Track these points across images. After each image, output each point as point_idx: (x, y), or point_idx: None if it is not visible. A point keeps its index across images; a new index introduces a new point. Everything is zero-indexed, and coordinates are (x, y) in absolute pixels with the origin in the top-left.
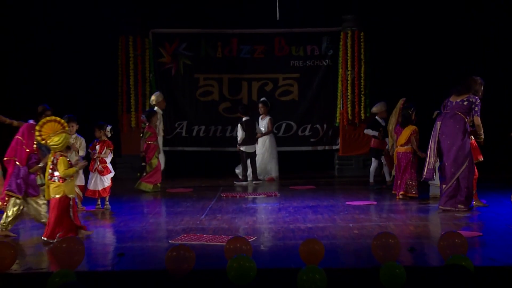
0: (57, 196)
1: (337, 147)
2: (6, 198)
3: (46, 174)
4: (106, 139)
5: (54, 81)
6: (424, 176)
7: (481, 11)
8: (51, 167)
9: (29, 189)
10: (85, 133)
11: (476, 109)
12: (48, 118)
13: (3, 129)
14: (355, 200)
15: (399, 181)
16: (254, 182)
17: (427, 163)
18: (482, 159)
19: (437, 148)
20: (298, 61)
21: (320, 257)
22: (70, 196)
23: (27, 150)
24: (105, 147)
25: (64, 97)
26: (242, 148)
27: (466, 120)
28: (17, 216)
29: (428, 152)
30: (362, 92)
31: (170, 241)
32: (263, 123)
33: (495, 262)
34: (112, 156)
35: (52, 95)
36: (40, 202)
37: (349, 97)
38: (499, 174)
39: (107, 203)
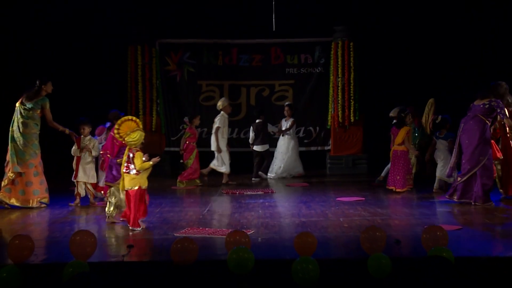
0: (135, 188)
1: (329, 147)
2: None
3: (122, 167)
4: None
5: (69, 87)
6: (446, 173)
7: (461, 23)
8: (127, 160)
9: (118, 178)
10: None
11: (501, 111)
12: (125, 117)
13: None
14: (345, 196)
15: (398, 177)
16: (267, 177)
17: (451, 161)
18: (501, 156)
19: (458, 147)
20: (293, 69)
21: (313, 249)
22: (144, 187)
23: (117, 144)
24: None
25: (78, 102)
26: (254, 148)
27: (486, 122)
28: (118, 204)
29: (453, 151)
30: (352, 97)
31: (175, 234)
32: (286, 124)
33: (473, 253)
34: None
35: (67, 100)
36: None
37: (339, 101)
38: None
39: None
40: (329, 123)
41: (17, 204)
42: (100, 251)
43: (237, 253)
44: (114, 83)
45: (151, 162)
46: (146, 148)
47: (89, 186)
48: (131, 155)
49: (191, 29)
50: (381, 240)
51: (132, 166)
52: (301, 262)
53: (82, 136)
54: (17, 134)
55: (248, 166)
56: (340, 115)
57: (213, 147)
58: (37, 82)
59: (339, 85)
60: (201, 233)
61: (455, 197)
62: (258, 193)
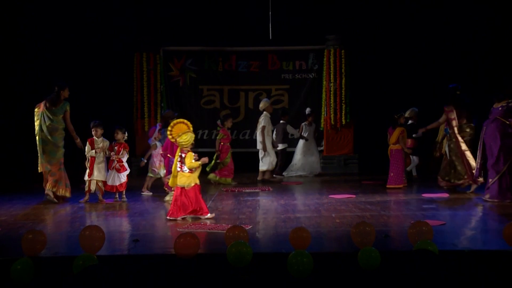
0: (191, 185)
1: (322, 148)
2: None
3: (175, 167)
4: (123, 141)
5: (78, 92)
6: (474, 174)
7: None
8: (179, 160)
9: None
10: (107, 136)
11: None
12: (177, 120)
13: None
14: (337, 193)
15: (392, 174)
16: (282, 176)
17: (477, 162)
18: None
19: (482, 149)
20: (288, 74)
21: (307, 243)
22: (197, 182)
23: (176, 144)
24: (122, 149)
25: (88, 105)
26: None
27: (506, 123)
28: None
29: (478, 153)
30: (343, 101)
31: (178, 229)
32: (311, 129)
33: (456, 247)
34: (127, 156)
35: (77, 104)
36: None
37: (331, 105)
38: None
39: (124, 196)
40: (322, 125)
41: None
42: (108, 245)
43: (236, 247)
44: (121, 87)
45: (200, 162)
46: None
47: (100, 184)
48: (182, 155)
49: (193, 37)
50: (370, 235)
51: (184, 166)
52: (296, 256)
53: (94, 138)
54: (47, 137)
55: (247, 166)
56: (332, 118)
57: (260, 146)
58: (56, 88)
59: (331, 89)
60: (202, 228)
61: (488, 197)
62: (256, 190)
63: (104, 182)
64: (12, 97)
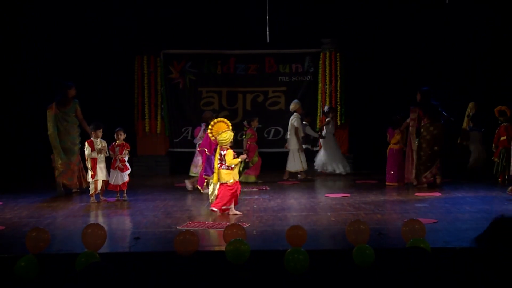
0: (230, 181)
1: (317, 148)
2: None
3: (216, 164)
4: (123, 141)
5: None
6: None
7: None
8: (219, 158)
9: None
10: (108, 136)
11: None
12: (217, 119)
13: None
14: (332, 193)
15: (392, 171)
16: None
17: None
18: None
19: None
20: (285, 77)
21: (303, 241)
22: (237, 179)
23: (214, 142)
24: (125, 149)
25: (90, 107)
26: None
27: None
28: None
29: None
30: (338, 103)
31: (177, 227)
32: (330, 126)
33: (448, 244)
34: (129, 156)
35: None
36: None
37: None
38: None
39: (125, 195)
40: (317, 126)
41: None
42: (109, 242)
43: (234, 245)
44: (121, 88)
45: (239, 159)
46: (151, 148)
47: (103, 184)
48: (222, 152)
49: (193, 40)
50: (365, 233)
51: (224, 163)
52: (293, 253)
53: (93, 139)
54: (65, 137)
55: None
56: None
57: (293, 146)
58: (62, 89)
59: (327, 91)
60: (201, 226)
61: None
62: (253, 190)
63: (106, 182)
64: (12, 97)
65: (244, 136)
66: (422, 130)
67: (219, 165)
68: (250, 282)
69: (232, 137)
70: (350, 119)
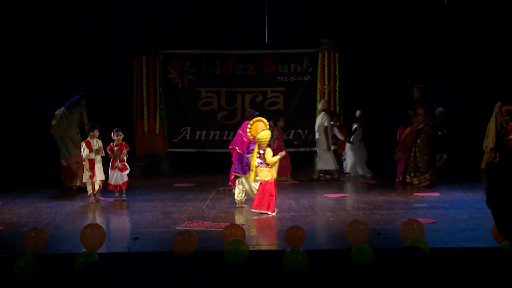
0: (268, 179)
1: (316, 148)
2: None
3: (253, 162)
4: (122, 141)
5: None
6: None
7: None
8: (258, 156)
9: (247, 170)
10: (106, 136)
11: None
12: (256, 119)
13: None
14: (331, 193)
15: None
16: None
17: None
18: None
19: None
20: (284, 77)
21: (302, 241)
22: (275, 176)
23: (245, 140)
24: (124, 148)
25: (89, 106)
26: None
27: None
28: (244, 192)
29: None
30: (337, 103)
31: (176, 227)
32: (360, 131)
33: (447, 244)
34: (127, 156)
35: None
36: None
37: None
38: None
39: (124, 195)
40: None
41: (78, 185)
42: (108, 242)
43: (233, 245)
44: (120, 88)
45: (278, 156)
46: (150, 148)
47: (100, 184)
48: (261, 151)
49: (191, 41)
50: (364, 233)
51: (263, 161)
52: (291, 253)
53: (89, 139)
54: (64, 134)
55: None
56: None
57: (323, 145)
58: (77, 96)
59: (326, 92)
60: (200, 226)
61: None
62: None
63: (103, 181)
64: (12, 97)
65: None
66: (425, 128)
67: (257, 164)
68: (249, 282)
69: (270, 135)
70: (349, 119)
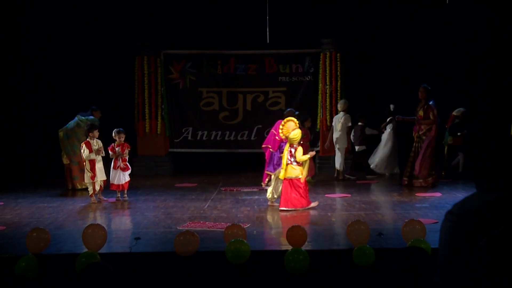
0: (299, 176)
1: (318, 148)
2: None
3: (284, 160)
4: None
5: (82, 94)
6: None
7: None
8: (289, 154)
9: (277, 168)
10: (107, 137)
11: None
12: (287, 118)
13: None
14: (333, 193)
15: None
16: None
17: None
18: None
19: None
20: (285, 77)
21: (304, 241)
22: (305, 175)
23: (278, 139)
24: (126, 148)
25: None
26: (355, 148)
27: None
28: (276, 189)
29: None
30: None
31: (178, 228)
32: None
33: None
34: (129, 155)
35: (81, 105)
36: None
37: (327, 107)
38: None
39: (126, 195)
40: (318, 127)
41: (79, 187)
42: (110, 243)
43: (235, 245)
44: (121, 88)
45: (308, 155)
46: (151, 149)
47: (101, 183)
48: (292, 150)
49: (193, 41)
50: (365, 233)
51: (294, 159)
52: (293, 253)
53: (89, 140)
54: (71, 133)
55: (246, 166)
56: (328, 119)
57: (342, 144)
58: (90, 109)
59: (327, 92)
60: (201, 226)
61: None
62: (254, 190)
63: (105, 181)
64: (12, 97)
65: None
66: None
67: (288, 162)
68: (250, 282)
69: (301, 134)
70: (350, 120)
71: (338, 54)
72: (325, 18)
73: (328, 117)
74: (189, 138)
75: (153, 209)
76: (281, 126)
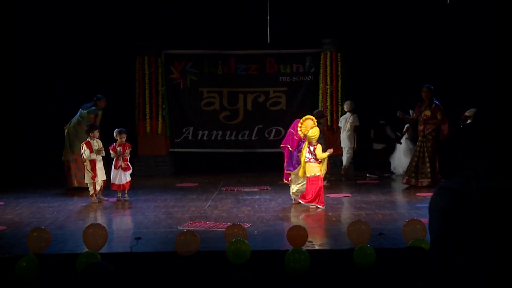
0: (318, 174)
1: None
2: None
3: (303, 158)
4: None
5: (82, 94)
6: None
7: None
8: (308, 152)
9: (296, 166)
10: (108, 136)
11: None
12: (305, 117)
13: None
14: (333, 192)
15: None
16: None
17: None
18: None
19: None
20: (286, 77)
21: (304, 241)
22: (324, 172)
23: (296, 138)
24: (127, 148)
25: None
26: (373, 146)
27: None
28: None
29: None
30: (339, 103)
31: (178, 227)
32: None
33: None
34: (130, 155)
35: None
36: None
37: (328, 107)
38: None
39: (126, 195)
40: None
41: (77, 185)
42: (110, 242)
43: (235, 245)
44: (122, 88)
45: (328, 153)
46: (152, 148)
47: (102, 183)
48: (311, 147)
49: (193, 41)
50: (366, 233)
51: (312, 156)
52: (293, 253)
53: (89, 140)
54: (72, 131)
55: (246, 166)
56: (329, 119)
57: (351, 144)
58: (94, 98)
59: (328, 92)
60: (202, 226)
61: None
62: (255, 190)
63: (105, 181)
64: (12, 97)
65: None
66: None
67: (307, 159)
68: (251, 282)
69: (319, 132)
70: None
71: (339, 54)
72: (326, 18)
73: (328, 116)
74: (190, 138)
75: (153, 209)
76: (299, 124)
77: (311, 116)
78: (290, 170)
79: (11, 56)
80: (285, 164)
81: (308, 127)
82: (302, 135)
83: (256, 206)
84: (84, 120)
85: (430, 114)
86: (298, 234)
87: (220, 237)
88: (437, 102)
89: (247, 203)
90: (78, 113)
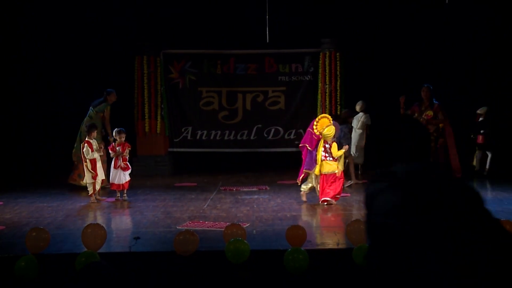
0: (335, 171)
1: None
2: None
3: (319, 156)
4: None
5: (81, 94)
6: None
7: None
8: (324, 150)
9: (314, 165)
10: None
11: None
12: (321, 115)
13: None
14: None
15: None
16: None
17: None
18: None
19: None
20: (285, 77)
21: (303, 240)
22: (341, 169)
23: (315, 137)
24: (126, 148)
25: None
26: None
27: None
28: (309, 186)
29: None
30: (338, 103)
31: (177, 227)
32: None
33: None
34: (129, 155)
35: (81, 105)
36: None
37: (327, 106)
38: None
39: (125, 195)
40: None
41: (77, 184)
42: (109, 242)
43: (234, 244)
44: (121, 88)
45: (343, 150)
46: (151, 148)
47: (100, 183)
48: (327, 145)
49: (193, 40)
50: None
51: (330, 155)
52: (292, 252)
53: (89, 139)
54: (84, 129)
55: (246, 166)
56: None
57: (362, 142)
58: (104, 93)
59: (327, 91)
60: (201, 226)
61: None
62: (253, 189)
63: (103, 181)
64: (12, 97)
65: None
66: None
67: (323, 157)
68: (250, 282)
69: (334, 130)
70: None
71: (338, 54)
72: (325, 18)
73: None
74: (189, 137)
75: (152, 208)
76: (315, 123)
77: (326, 115)
78: (309, 170)
79: (11, 56)
80: (302, 163)
81: (324, 125)
82: (317, 133)
83: (255, 206)
84: (93, 119)
85: (432, 114)
86: (297, 233)
87: (219, 237)
88: (438, 102)
89: (246, 203)
90: (89, 112)
